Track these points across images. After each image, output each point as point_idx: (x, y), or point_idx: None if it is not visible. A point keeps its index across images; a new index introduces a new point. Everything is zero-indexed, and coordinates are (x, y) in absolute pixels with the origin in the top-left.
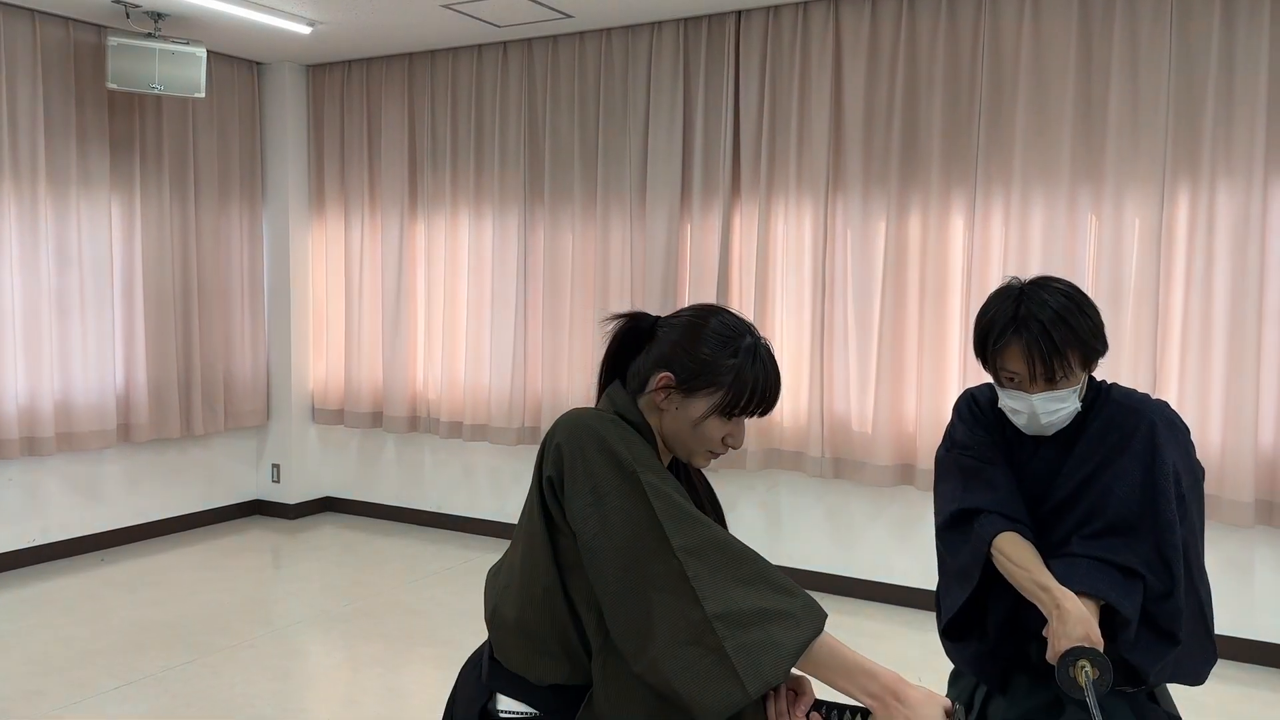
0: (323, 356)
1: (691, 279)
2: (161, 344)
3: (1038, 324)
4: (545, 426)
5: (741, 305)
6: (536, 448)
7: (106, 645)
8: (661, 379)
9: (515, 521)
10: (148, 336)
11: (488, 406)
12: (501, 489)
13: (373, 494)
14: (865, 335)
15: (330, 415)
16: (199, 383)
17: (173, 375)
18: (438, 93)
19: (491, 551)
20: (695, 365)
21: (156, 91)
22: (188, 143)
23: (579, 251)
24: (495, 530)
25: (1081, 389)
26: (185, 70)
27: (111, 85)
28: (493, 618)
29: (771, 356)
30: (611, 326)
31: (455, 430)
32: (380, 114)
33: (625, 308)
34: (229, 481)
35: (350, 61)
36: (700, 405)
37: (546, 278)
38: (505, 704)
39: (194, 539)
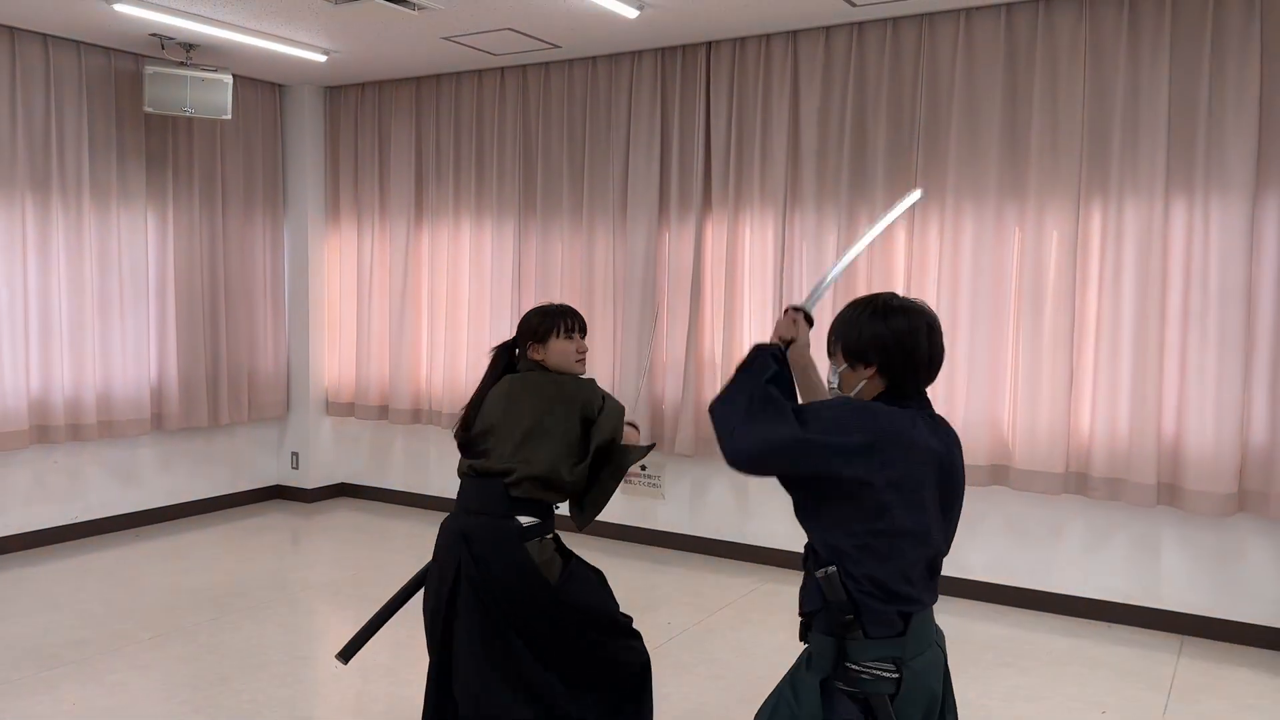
0: (336, 353)
1: (670, 284)
2: (191, 341)
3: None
4: None
5: (712, 307)
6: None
7: (143, 605)
8: (531, 347)
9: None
10: (179, 334)
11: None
12: None
13: (383, 480)
14: (818, 335)
15: (342, 408)
16: (225, 377)
17: (201, 370)
18: (442, 113)
19: None
20: (531, 330)
21: (188, 114)
22: (216, 159)
23: (567, 258)
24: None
25: (842, 381)
26: (213, 95)
27: (148, 109)
28: (524, 477)
29: (561, 309)
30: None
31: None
32: (391, 132)
33: (609, 308)
34: (252, 467)
35: (364, 84)
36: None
37: (539, 281)
38: (525, 519)
39: (219, 519)
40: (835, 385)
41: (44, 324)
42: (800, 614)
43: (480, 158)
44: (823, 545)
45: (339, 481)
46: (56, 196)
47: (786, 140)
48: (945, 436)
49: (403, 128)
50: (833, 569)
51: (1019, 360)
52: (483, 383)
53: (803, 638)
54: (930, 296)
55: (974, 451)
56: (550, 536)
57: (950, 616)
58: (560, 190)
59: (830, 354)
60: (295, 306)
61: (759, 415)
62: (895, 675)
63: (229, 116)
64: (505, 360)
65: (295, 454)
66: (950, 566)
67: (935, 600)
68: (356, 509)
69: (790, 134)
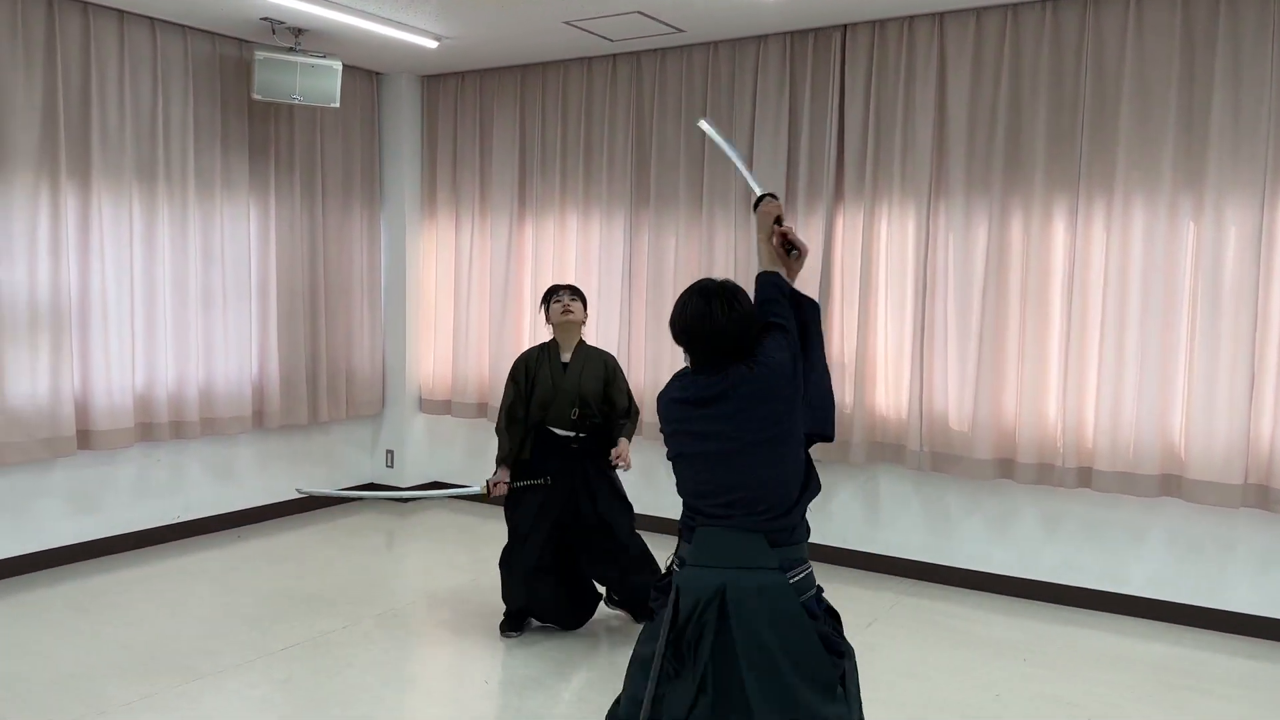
0: (431, 350)
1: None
2: (292, 337)
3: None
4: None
5: (843, 305)
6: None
7: (263, 612)
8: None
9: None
10: (280, 330)
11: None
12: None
13: (477, 479)
14: (965, 335)
15: (437, 405)
16: (324, 373)
17: (301, 366)
18: (548, 102)
19: None
20: None
21: (296, 101)
22: (316, 148)
23: (683, 254)
24: None
25: None
26: (323, 81)
27: (257, 95)
28: None
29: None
30: None
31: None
32: (492, 121)
33: None
34: (348, 466)
35: (464, 72)
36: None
37: (651, 279)
38: None
39: (316, 519)
40: None
41: (149, 319)
42: None
43: (589, 148)
44: None
45: (432, 480)
46: (162, 186)
47: (932, 128)
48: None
49: (505, 117)
50: None
51: (1193, 363)
52: None
53: None
54: (1094, 294)
55: (1142, 460)
56: None
57: (1108, 634)
58: (676, 181)
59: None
60: (391, 301)
61: None
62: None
63: (337, 104)
64: None
65: (390, 452)
66: (1106, 580)
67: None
68: (451, 508)
69: (936, 121)
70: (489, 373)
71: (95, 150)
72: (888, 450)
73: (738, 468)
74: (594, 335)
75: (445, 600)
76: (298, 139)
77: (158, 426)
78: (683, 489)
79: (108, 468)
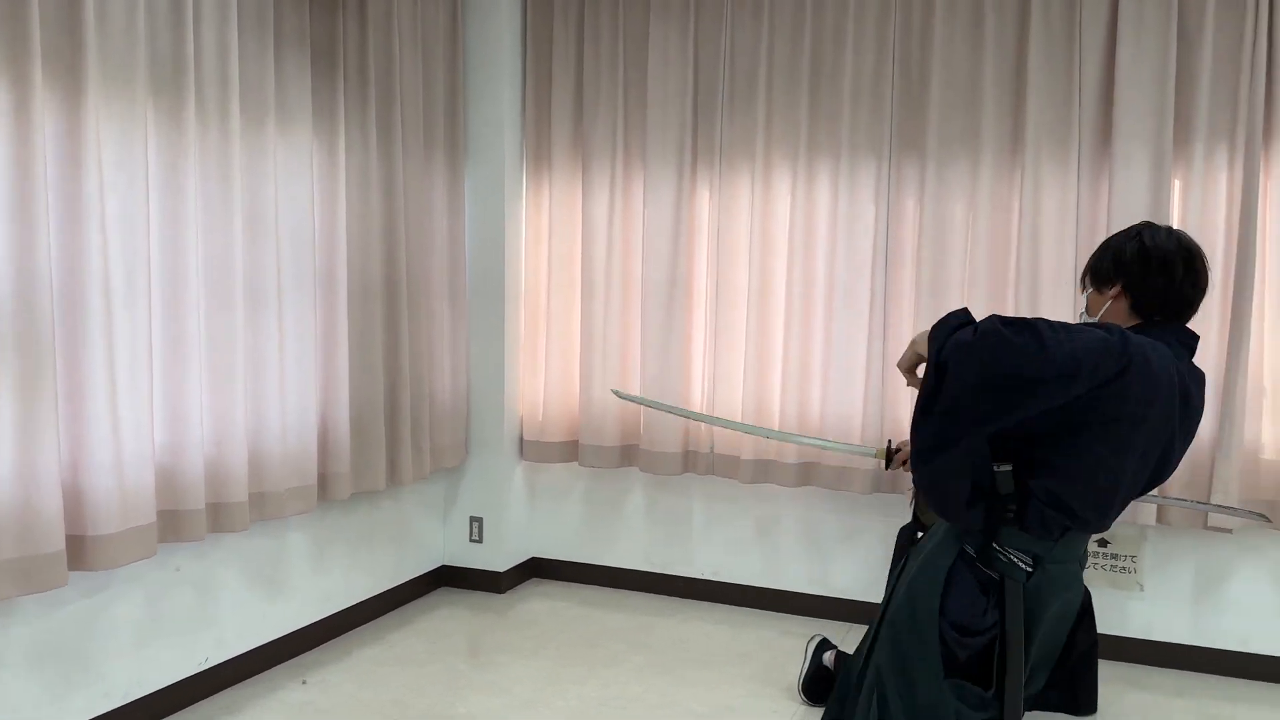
0: (539, 371)
1: None
2: (367, 356)
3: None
4: None
5: (1273, 293)
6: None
7: None
8: None
9: (832, 595)
10: (353, 346)
11: (818, 437)
12: (821, 548)
13: (607, 554)
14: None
15: (548, 450)
16: (405, 411)
17: (379, 401)
18: (741, 5)
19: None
20: None
21: None
22: (395, 59)
23: (982, 223)
24: (800, 605)
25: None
26: None
27: None
28: None
29: None
30: None
31: (764, 472)
32: (646, 27)
33: (1067, 299)
34: (415, 545)
35: None
36: None
37: (924, 262)
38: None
39: (387, 628)
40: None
41: (174, 331)
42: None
43: (818, 66)
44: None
45: (532, 556)
46: (193, 109)
47: None
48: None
49: (669, 29)
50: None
51: None
52: None
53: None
54: None
55: None
56: None
57: None
58: (975, 114)
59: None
60: (481, 300)
61: None
62: (1030, 569)
63: None
64: None
65: (477, 520)
66: None
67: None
68: (569, 597)
69: None
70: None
71: (90, 49)
72: None
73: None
74: (819, 348)
75: None
76: (371, 42)
77: (188, 518)
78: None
79: (103, 597)
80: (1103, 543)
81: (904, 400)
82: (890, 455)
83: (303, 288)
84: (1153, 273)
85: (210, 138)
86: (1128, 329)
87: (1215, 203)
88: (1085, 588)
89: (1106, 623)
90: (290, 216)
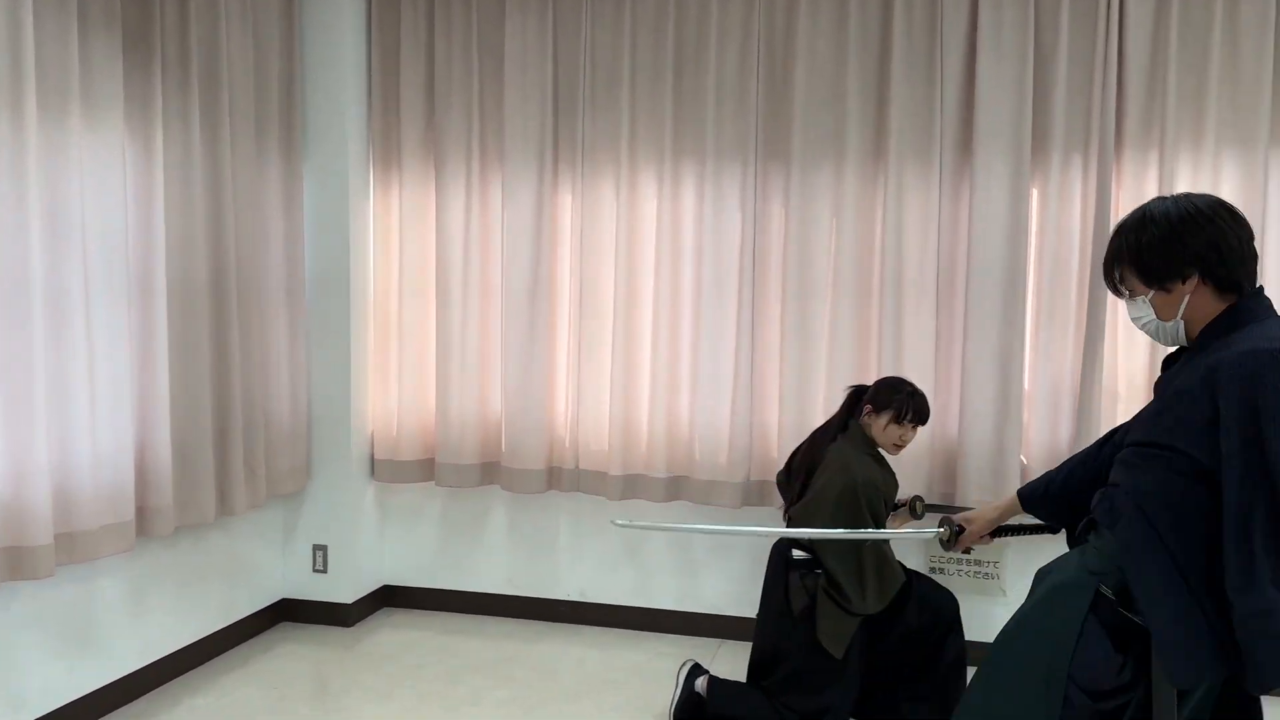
0: (391, 384)
1: (1046, 268)
2: (191, 371)
3: (1113, 232)
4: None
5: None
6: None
7: None
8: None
9: (703, 611)
10: (174, 359)
11: (688, 454)
12: (691, 563)
13: (467, 579)
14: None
15: (403, 470)
16: (238, 433)
17: (206, 422)
18: None
19: (672, 652)
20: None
21: None
22: (220, 45)
23: (847, 230)
24: (671, 623)
25: (1160, 306)
26: None
27: None
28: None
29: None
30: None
31: (632, 488)
32: (502, 17)
33: (944, 306)
34: (251, 578)
35: None
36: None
37: (791, 270)
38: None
39: (219, 670)
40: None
41: None
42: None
43: (680, 65)
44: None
45: (385, 584)
46: None
47: (1273, 48)
48: None
49: (526, 19)
50: None
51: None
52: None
53: (1078, 542)
54: None
55: None
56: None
57: None
58: (837, 121)
59: (1122, 285)
60: (323, 305)
61: None
62: None
63: None
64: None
65: (320, 549)
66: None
67: None
68: (426, 627)
69: (1278, 38)
70: (505, 416)
71: None
72: None
73: None
74: (687, 358)
75: None
76: (193, 24)
77: None
78: None
79: None
80: (966, 549)
81: (772, 408)
82: (954, 537)
83: (114, 296)
84: (1225, 234)
85: (3, 128)
86: (1221, 317)
87: (1071, 210)
88: (953, 596)
89: (972, 630)
90: (98, 216)
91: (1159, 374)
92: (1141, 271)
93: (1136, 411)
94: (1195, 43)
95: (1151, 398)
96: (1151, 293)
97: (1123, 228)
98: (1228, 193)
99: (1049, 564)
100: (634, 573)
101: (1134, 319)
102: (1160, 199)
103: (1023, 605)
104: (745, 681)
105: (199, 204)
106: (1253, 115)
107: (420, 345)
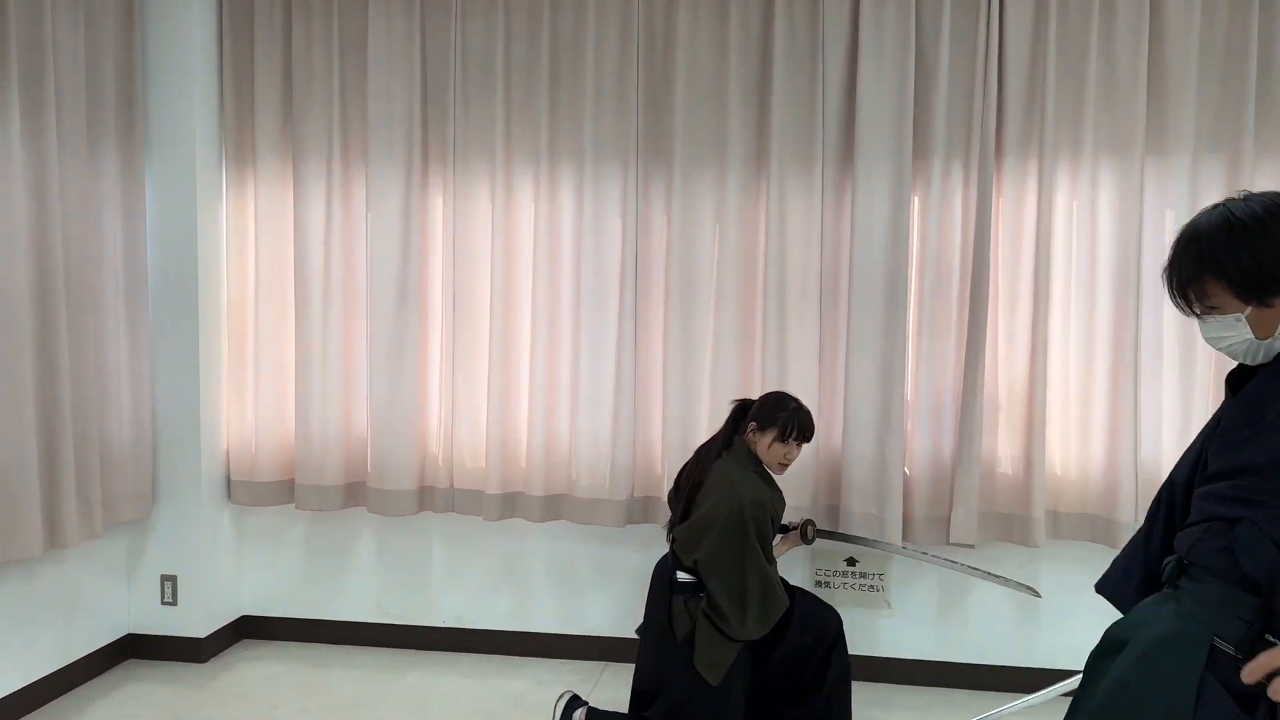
0: (247, 399)
1: (930, 275)
2: (10, 391)
3: (1181, 242)
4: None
5: (1004, 309)
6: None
7: None
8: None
9: (586, 633)
10: None
11: (568, 471)
12: (573, 584)
13: (332, 608)
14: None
15: (262, 492)
16: (69, 455)
17: (29, 447)
18: None
19: (553, 679)
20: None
21: None
22: (44, 34)
23: (730, 236)
24: (553, 646)
25: (1258, 323)
26: None
27: None
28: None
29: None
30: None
31: (510, 506)
32: (365, 8)
33: (828, 313)
34: (93, 613)
35: None
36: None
37: (674, 279)
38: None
39: (54, 716)
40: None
41: None
42: (1186, 559)
43: (556, 60)
44: None
45: (243, 615)
46: None
47: (1147, 58)
48: None
49: (391, 9)
50: None
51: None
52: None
53: (1172, 583)
54: None
55: None
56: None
57: None
58: (720, 125)
59: (1203, 300)
60: (169, 314)
61: None
62: None
63: None
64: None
65: (170, 579)
66: None
67: None
68: (289, 660)
69: (1151, 49)
70: (370, 432)
71: None
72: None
73: None
74: (567, 370)
75: None
76: (11, 9)
77: None
78: None
79: None
80: (851, 561)
81: (655, 421)
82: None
83: None
84: None
85: None
86: None
87: (952, 219)
88: (836, 614)
89: (856, 644)
90: None
91: (1223, 397)
92: (1241, 285)
93: (1181, 453)
94: (1073, 53)
95: (1029, 407)
96: (1249, 309)
97: (1197, 235)
98: (1104, 200)
99: (1125, 618)
100: (513, 595)
101: (1212, 339)
102: (1233, 200)
103: (1114, 668)
104: (626, 713)
105: (19, 206)
106: (1129, 124)
107: (278, 356)
